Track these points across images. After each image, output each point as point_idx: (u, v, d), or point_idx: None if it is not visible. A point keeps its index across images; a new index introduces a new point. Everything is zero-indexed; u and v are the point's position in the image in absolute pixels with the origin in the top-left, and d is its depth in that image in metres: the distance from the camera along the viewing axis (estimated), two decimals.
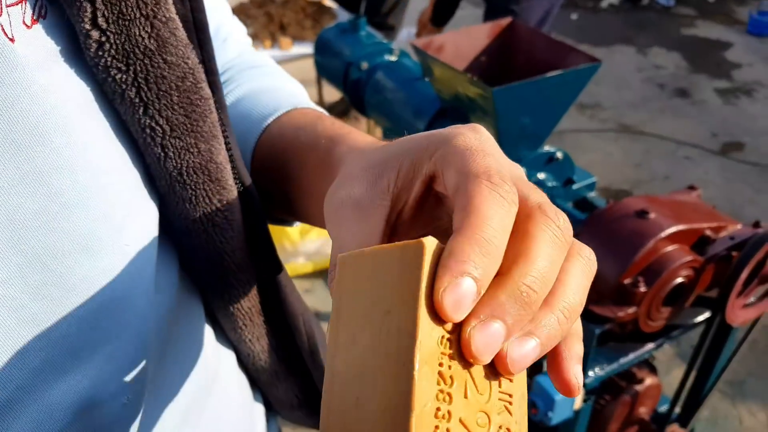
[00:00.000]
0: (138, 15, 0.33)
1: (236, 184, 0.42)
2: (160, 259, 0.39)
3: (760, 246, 1.18)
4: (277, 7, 2.83)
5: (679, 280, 1.19)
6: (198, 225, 0.40)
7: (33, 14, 0.30)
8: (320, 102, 3.23)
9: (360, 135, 0.41)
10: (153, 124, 0.35)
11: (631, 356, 1.27)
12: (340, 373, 0.25)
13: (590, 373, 1.23)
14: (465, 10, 4.92)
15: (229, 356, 0.51)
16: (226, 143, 0.41)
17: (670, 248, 1.18)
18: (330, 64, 2.03)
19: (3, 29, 0.28)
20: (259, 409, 0.56)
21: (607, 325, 1.18)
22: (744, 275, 1.19)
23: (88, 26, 0.31)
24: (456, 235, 0.25)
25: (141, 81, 0.34)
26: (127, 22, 0.32)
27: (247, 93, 0.52)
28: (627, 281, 1.16)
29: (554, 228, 0.26)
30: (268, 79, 0.54)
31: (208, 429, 0.46)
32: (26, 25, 0.29)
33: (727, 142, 3.27)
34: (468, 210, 0.25)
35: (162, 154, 0.36)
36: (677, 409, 1.61)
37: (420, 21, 2.72)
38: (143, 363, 0.37)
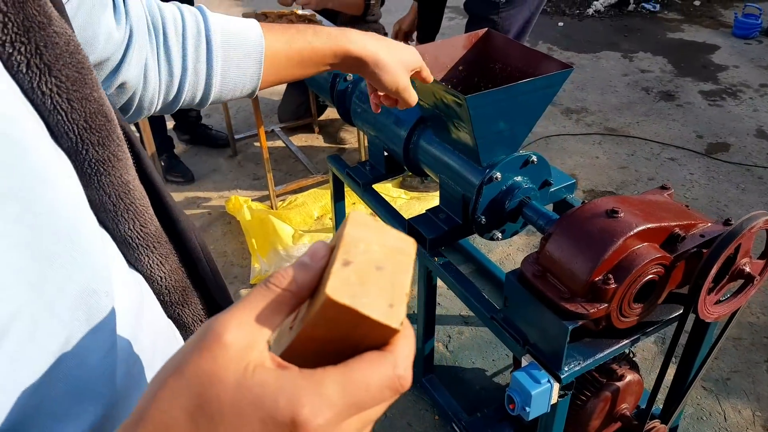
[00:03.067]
0: None
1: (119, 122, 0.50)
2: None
3: (729, 242, 1.22)
4: (269, 22, 2.89)
5: (649, 277, 1.23)
6: (107, 164, 0.47)
7: None
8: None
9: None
10: (58, 83, 0.42)
11: (607, 351, 1.31)
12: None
13: (565, 368, 1.27)
14: (453, 20, 5.00)
15: (142, 281, 0.58)
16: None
17: (639, 246, 1.22)
18: (318, 76, 2.08)
19: None
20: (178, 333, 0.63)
21: (579, 321, 1.22)
22: (713, 271, 1.23)
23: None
24: None
25: (42, 50, 0.41)
26: (21, 4, 0.39)
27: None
28: (597, 279, 1.20)
29: None
30: (227, 26, 0.80)
31: (147, 339, 0.53)
32: None
33: (712, 143, 3.32)
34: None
35: (68, 107, 0.43)
36: (659, 406, 1.65)
37: (397, 29, 2.79)
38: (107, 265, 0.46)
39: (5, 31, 0.39)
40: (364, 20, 3.12)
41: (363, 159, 2.93)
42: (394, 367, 0.34)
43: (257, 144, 2.92)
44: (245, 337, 0.32)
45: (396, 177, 2.92)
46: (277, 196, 2.77)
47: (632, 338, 1.34)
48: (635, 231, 1.21)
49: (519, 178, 1.50)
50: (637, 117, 3.59)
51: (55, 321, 0.40)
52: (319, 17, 3.05)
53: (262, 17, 3.00)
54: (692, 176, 3.05)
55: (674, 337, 1.34)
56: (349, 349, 0.36)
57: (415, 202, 2.80)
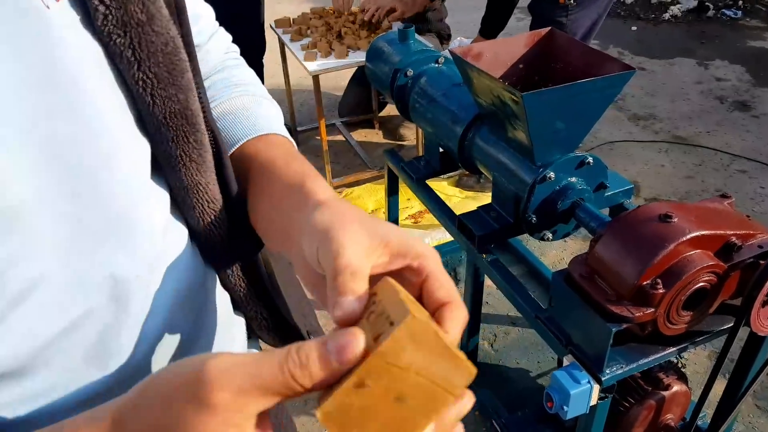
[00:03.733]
0: None
1: (207, 130, 0.52)
2: (155, 182, 0.51)
3: None
4: (336, 18, 2.95)
5: (700, 284, 1.21)
6: (178, 161, 0.51)
7: None
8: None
9: (320, 178, 0.52)
10: (144, 78, 0.46)
11: (651, 358, 1.30)
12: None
13: (607, 371, 1.26)
14: (521, 21, 4.95)
15: (213, 276, 0.61)
16: (200, 97, 0.51)
17: (691, 252, 1.20)
18: (379, 71, 2.12)
19: (44, 1, 0.40)
20: (240, 322, 0.67)
21: (624, 324, 1.21)
22: None
23: (96, 2, 0.43)
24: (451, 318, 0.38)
25: (135, 44, 0.45)
26: (124, 1, 0.43)
27: (225, 111, 0.61)
28: (645, 283, 1.19)
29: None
30: (251, 99, 0.63)
31: (196, 320, 0.57)
32: (44, 2, 0.40)
33: None
34: (452, 323, 0.39)
35: (151, 101, 0.47)
36: (708, 420, 1.61)
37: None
38: (150, 253, 0.50)
39: (105, 22, 0.43)
40: (425, 18, 3.13)
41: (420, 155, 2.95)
42: None
43: (318, 137, 2.98)
44: (239, 407, 0.32)
45: (452, 175, 2.93)
46: (335, 188, 2.82)
47: (679, 347, 1.31)
48: (688, 237, 1.19)
49: (573, 179, 1.49)
50: (708, 126, 3.47)
51: (81, 294, 0.44)
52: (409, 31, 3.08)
53: (330, 13, 3.06)
54: (763, 190, 2.93)
55: (724, 350, 1.31)
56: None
57: (469, 201, 2.80)
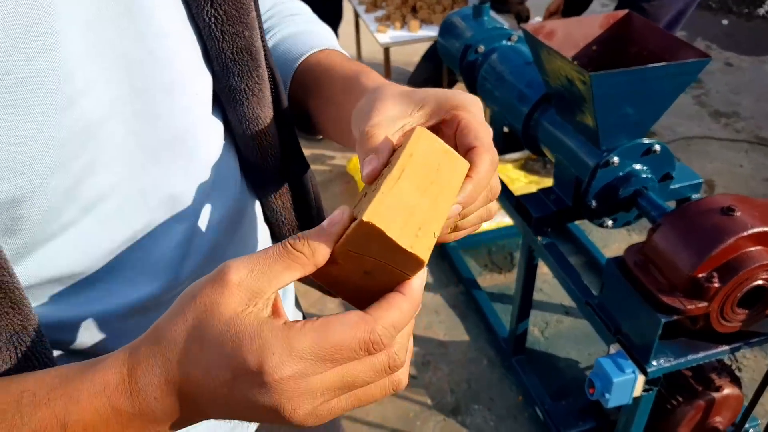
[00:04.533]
0: None
1: (266, 67, 0.56)
2: (213, 114, 0.55)
3: None
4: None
5: (758, 282, 1.17)
6: (242, 95, 0.54)
7: None
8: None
9: (375, 73, 0.57)
10: (216, 14, 0.49)
11: (701, 354, 1.27)
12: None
13: (653, 363, 1.24)
14: (606, 7, 4.79)
15: (256, 206, 0.65)
16: (261, 36, 0.54)
17: (752, 249, 1.16)
18: (450, 46, 2.11)
19: None
20: None
21: (674, 316, 1.18)
22: None
23: None
24: (474, 175, 0.42)
25: None
26: None
27: (288, 35, 0.66)
28: (701, 275, 1.16)
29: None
30: (306, 24, 0.68)
31: (237, 247, 0.60)
32: None
33: None
34: (479, 166, 0.43)
35: (221, 36, 0.50)
36: (761, 429, 1.56)
37: (548, 9, 2.73)
38: (204, 177, 0.54)
39: None
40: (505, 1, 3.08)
41: None
42: (369, 332, 0.35)
43: None
44: (252, 284, 0.35)
45: (518, 159, 2.89)
46: None
47: (732, 346, 1.28)
48: (749, 232, 1.15)
49: (638, 167, 1.46)
50: None
51: (144, 206, 0.48)
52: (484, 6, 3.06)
53: None
54: None
55: None
56: (381, 283, 0.39)
57: (533, 186, 2.76)
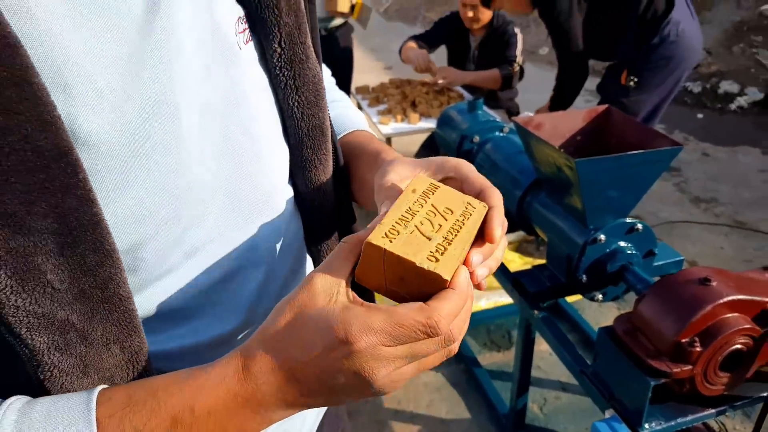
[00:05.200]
0: (298, 42, 0.62)
1: (331, 141, 0.70)
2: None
3: None
4: (411, 88, 3.20)
5: (736, 346, 1.28)
6: (311, 164, 0.68)
7: (246, 40, 0.59)
8: None
9: (393, 151, 0.73)
10: (299, 100, 0.64)
11: (690, 417, 1.36)
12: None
13: (646, 426, 1.33)
14: (589, 103, 5.10)
15: (308, 259, 0.78)
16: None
17: (728, 315, 1.28)
18: (448, 137, 2.30)
19: (238, 44, 0.58)
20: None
21: (662, 379, 1.28)
22: None
23: (275, 46, 0.61)
24: (492, 211, 0.55)
25: (296, 76, 0.63)
26: (293, 46, 0.61)
27: (332, 117, 0.82)
28: (684, 340, 1.27)
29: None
30: (343, 109, 0.86)
31: (289, 274, 0.72)
32: (245, 43, 0.59)
33: None
34: (494, 203, 0.55)
35: (300, 117, 0.65)
36: None
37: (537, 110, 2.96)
38: (278, 223, 0.67)
39: (278, 60, 0.62)
40: (496, 96, 3.33)
41: None
42: (427, 317, 0.46)
43: None
44: (328, 283, 0.48)
45: (513, 241, 3.04)
46: None
47: (718, 408, 1.37)
48: (725, 300, 1.27)
49: (623, 244, 1.60)
50: None
51: (232, 254, 0.61)
52: (458, 88, 3.31)
53: (406, 83, 3.31)
54: None
55: (760, 417, 1.36)
56: (416, 294, 0.49)
57: (528, 266, 2.89)
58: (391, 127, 2.83)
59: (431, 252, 0.48)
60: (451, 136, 2.26)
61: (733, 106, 5.02)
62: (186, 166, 0.54)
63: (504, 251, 0.56)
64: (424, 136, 3.55)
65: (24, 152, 0.42)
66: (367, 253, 0.48)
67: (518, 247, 3.03)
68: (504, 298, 2.65)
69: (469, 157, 2.14)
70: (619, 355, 1.37)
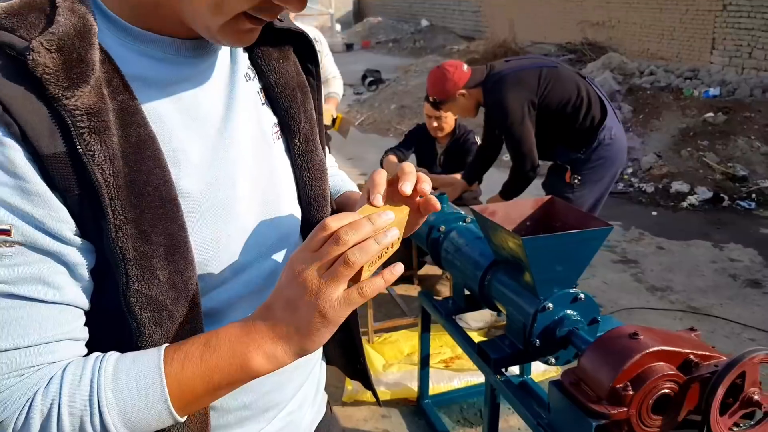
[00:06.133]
0: (310, 139, 0.92)
1: (331, 204, 0.97)
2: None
3: (734, 365, 1.49)
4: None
5: (664, 390, 1.50)
6: (316, 220, 0.94)
7: (277, 138, 0.88)
8: None
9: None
10: (310, 176, 0.92)
11: None
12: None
13: None
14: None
15: None
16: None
17: (655, 363, 1.51)
18: (419, 229, 2.57)
19: (273, 140, 0.87)
20: None
21: (603, 420, 1.49)
22: (719, 393, 1.48)
23: (296, 141, 0.90)
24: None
25: (309, 161, 0.91)
26: (307, 141, 0.90)
27: (332, 184, 1.11)
28: (618, 386, 1.49)
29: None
30: (341, 180, 1.16)
31: (284, 258, 0.95)
32: (277, 140, 0.88)
33: None
34: (406, 170, 0.84)
35: (310, 186, 0.92)
36: None
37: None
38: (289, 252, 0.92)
39: (297, 151, 0.91)
40: (461, 197, 3.66)
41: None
42: (320, 225, 0.70)
43: None
44: (299, 256, 0.72)
45: (482, 328, 3.26)
46: (375, 331, 3.18)
47: None
48: (651, 350, 1.50)
49: (569, 311, 1.84)
50: (721, 299, 3.76)
51: (266, 273, 0.87)
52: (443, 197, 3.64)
53: None
54: None
55: None
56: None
57: None
58: None
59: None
60: (422, 227, 2.53)
61: (684, 204, 5.43)
62: (237, 214, 0.82)
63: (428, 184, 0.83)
64: None
65: (153, 197, 0.71)
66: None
67: (486, 333, 3.25)
68: (475, 378, 2.83)
69: (436, 244, 2.41)
70: (566, 403, 1.58)
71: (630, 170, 6.14)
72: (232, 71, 0.85)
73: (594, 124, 2.85)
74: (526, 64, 3.00)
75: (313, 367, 1.02)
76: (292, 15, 3.39)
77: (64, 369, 0.68)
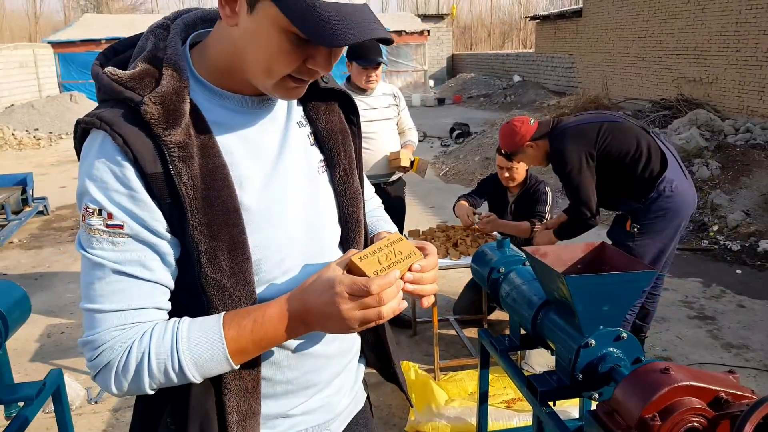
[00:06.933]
0: (348, 172, 1.18)
1: (364, 227, 1.20)
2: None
3: (763, 403, 1.57)
4: (454, 232, 3.73)
5: (692, 423, 1.60)
6: (351, 239, 1.17)
7: (322, 171, 1.15)
8: None
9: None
10: (347, 203, 1.16)
11: None
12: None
13: None
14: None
15: None
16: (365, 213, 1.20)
17: (683, 398, 1.62)
18: (481, 269, 2.75)
19: (318, 172, 1.14)
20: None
21: None
22: (747, 429, 1.56)
23: (337, 174, 1.15)
24: (430, 252, 1.10)
25: (346, 190, 1.16)
26: (346, 174, 1.15)
27: (370, 223, 1.33)
28: (647, 416, 1.60)
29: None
30: (379, 220, 1.37)
31: (323, 264, 1.15)
32: (321, 172, 1.14)
33: None
34: (429, 251, 1.10)
35: (346, 211, 1.16)
36: None
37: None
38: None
39: (338, 182, 1.16)
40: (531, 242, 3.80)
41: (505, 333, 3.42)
42: (365, 281, 0.94)
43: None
44: (336, 266, 0.97)
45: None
46: (441, 369, 3.33)
47: None
48: (680, 384, 1.61)
49: (612, 349, 1.96)
50: None
51: (303, 272, 1.09)
52: (495, 234, 3.81)
53: (451, 228, 3.84)
54: None
55: None
56: None
57: None
58: None
59: (377, 270, 0.96)
60: (484, 268, 2.71)
61: None
62: (285, 226, 1.06)
63: (432, 281, 1.02)
64: (466, 274, 4.00)
65: (221, 208, 0.97)
66: (352, 261, 0.97)
67: None
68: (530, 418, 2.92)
69: (495, 285, 2.57)
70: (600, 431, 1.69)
71: (716, 227, 6.02)
72: (287, 119, 1.12)
73: (653, 176, 2.95)
74: (589, 119, 3.19)
75: (349, 361, 1.24)
76: (378, 72, 3.68)
77: (153, 327, 0.96)
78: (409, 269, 0.99)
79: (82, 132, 1.01)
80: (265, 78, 0.98)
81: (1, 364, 2.59)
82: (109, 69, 1.01)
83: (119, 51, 1.10)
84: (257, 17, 0.93)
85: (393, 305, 0.95)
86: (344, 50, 1.04)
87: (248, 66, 0.99)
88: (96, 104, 1.03)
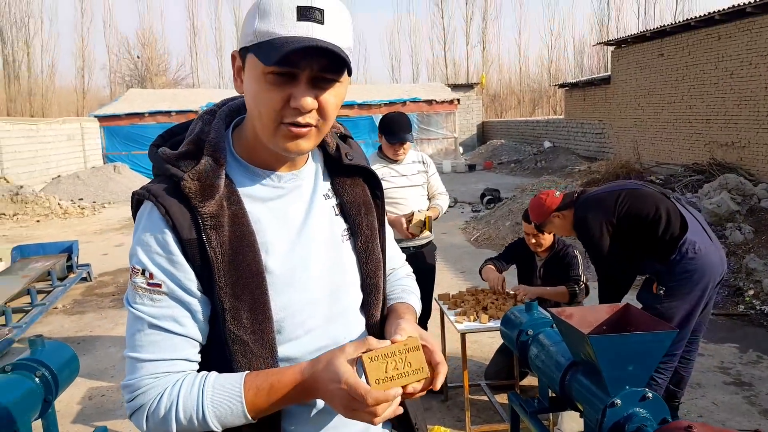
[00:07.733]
0: (370, 241, 1.30)
1: (383, 294, 1.31)
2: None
3: None
4: (484, 296, 3.80)
5: None
6: (370, 304, 1.30)
7: (345, 239, 1.27)
8: None
9: (412, 318, 1.32)
10: (368, 270, 1.27)
11: None
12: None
13: None
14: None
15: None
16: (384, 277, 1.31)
17: None
18: (510, 331, 2.81)
19: (342, 240, 1.26)
20: None
21: None
22: None
23: (359, 243, 1.27)
24: (440, 370, 1.16)
25: (367, 257, 1.27)
26: (367, 243, 1.27)
27: (391, 291, 1.42)
28: None
29: None
30: (404, 289, 1.45)
31: (346, 325, 1.27)
32: (345, 241, 1.26)
33: None
34: (439, 370, 1.16)
35: (367, 278, 1.27)
36: None
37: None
38: (352, 331, 1.26)
39: (360, 248, 1.28)
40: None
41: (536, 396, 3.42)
42: (365, 391, 1.01)
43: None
44: (346, 355, 1.06)
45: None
46: None
47: None
48: None
49: (638, 409, 2.00)
50: None
51: (327, 332, 1.21)
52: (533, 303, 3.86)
53: (480, 292, 3.91)
54: None
55: None
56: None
57: None
58: (464, 325, 3.40)
59: (380, 378, 1.04)
60: (512, 330, 2.78)
61: None
62: (310, 288, 1.18)
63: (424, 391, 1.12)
64: (496, 338, 4.04)
65: (246, 271, 1.10)
66: (363, 358, 1.06)
67: None
68: None
69: (524, 347, 2.64)
70: None
71: (751, 292, 5.95)
72: (313, 192, 1.25)
73: (674, 237, 3.03)
74: (609, 188, 3.37)
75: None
76: (405, 147, 3.82)
77: (184, 379, 1.09)
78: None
79: (136, 202, 1.19)
80: (263, 129, 1.11)
81: (49, 424, 2.72)
82: (161, 149, 1.19)
83: (176, 133, 1.28)
84: (248, 74, 1.10)
85: (387, 414, 1.05)
86: (333, 93, 1.10)
87: (255, 124, 1.12)
88: (136, 174, 1.30)
